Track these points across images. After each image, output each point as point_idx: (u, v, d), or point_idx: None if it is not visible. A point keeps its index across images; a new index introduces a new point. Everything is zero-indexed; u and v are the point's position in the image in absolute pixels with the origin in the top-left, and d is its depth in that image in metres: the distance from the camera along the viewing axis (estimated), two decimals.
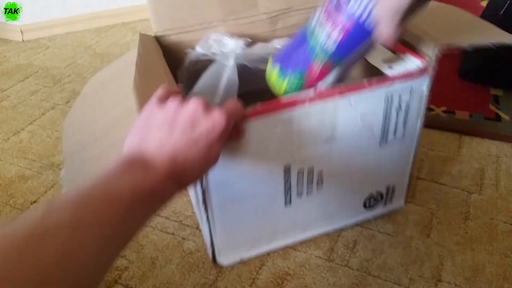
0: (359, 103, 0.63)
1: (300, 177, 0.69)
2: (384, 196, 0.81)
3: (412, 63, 0.66)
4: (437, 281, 0.73)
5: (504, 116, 1.09)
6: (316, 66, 0.57)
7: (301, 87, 0.59)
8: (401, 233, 0.81)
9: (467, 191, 0.89)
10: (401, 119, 0.69)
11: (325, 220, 0.78)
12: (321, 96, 0.60)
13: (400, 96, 0.66)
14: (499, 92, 1.18)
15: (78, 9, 1.69)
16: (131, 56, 0.74)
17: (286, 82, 0.59)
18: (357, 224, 0.83)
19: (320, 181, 0.71)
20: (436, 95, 1.17)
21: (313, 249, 0.79)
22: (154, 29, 0.78)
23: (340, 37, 0.53)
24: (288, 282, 0.73)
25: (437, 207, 0.86)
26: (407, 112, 0.69)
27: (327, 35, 0.54)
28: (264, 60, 0.73)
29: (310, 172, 0.69)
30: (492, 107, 1.13)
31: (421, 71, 0.65)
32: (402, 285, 0.72)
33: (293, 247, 0.79)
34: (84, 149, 0.64)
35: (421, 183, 0.92)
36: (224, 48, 0.76)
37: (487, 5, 1.30)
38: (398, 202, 0.84)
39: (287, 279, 0.74)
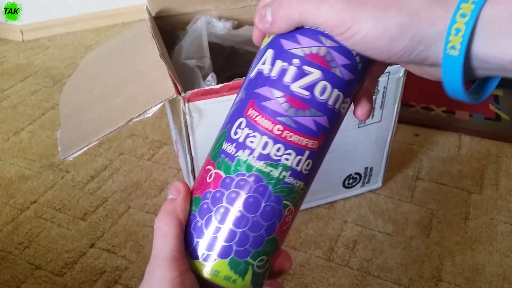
0: None
1: None
2: (362, 176, 0.86)
3: None
4: (437, 281, 0.73)
5: (504, 116, 1.09)
6: (289, 216, 0.29)
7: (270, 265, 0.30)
8: (401, 233, 0.81)
9: (467, 191, 0.89)
10: (378, 102, 0.74)
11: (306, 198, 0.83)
12: None
13: (378, 80, 0.70)
14: (499, 92, 1.17)
15: (78, 9, 1.69)
16: (127, 34, 0.80)
17: (249, 274, 0.28)
18: (356, 224, 0.83)
19: None
20: (436, 95, 1.18)
21: (313, 249, 0.79)
22: (151, 11, 0.82)
23: (314, 153, 0.28)
24: (288, 282, 0.73)
25: (437, 207, 0.86)
26: (384, 95, 0.73)
27: (289, 160, 0.27)
28: (250, 42, 0.77)
29: None
30: (492, 107, 1.13)
31: None
32: (402, 285, 0.72)
33: (293, 246, 0.79)
34: (81, 113, 0.67)
35: (421, 183, 0.92)
36: (212, 29, 0.81)
37: None
38: (375, 183, 0.89)
39: (287, 278, 0.74)
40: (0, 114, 1.20)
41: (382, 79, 0.71)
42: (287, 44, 0.27)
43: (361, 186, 0.88)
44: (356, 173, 0.84)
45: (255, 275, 0.28)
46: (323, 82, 0.27)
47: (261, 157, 0.27)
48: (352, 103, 0.29)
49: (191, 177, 0.71)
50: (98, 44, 1.60)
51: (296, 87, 0.27)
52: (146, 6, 0.80)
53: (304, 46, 0.27)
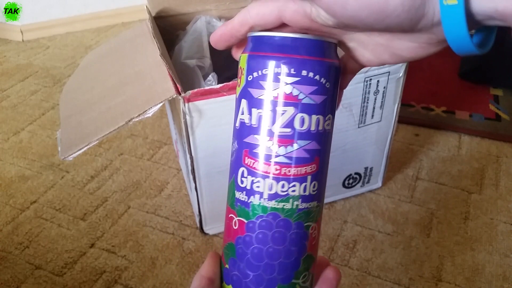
0: None
1: None
2: (362, 176, 0.86)
3: None
4: (437, 281, 0.73)
5: (504, 116, 1.09)
6: (314, 232, 0.31)
7: None
8: (401, 233, 0.81)
9: (467, 191, 0.89)
10: (378, 102, 0.74)
11: None
12: None
13: (378, 80, 0.71)
14: (499, 92, 1.17)
15: (78, 9, 1.69)
16: (126, 34, 0.80)
17: None
18: (356, 224, 0.83)
19: None
20: (436, 95, 1.18)
21: None
22: (151, 11, 0.82)
23: (315, 174, 0.30)
24: None
25: (437, 207, 0.86)
26: (384, 95, 0.74)
27: (295, 190, 0.29)
28: None
29: None
30: (492, 107, 1.13)
31: None
32: (402, 285, 0.72)
33: None
34: (81, 113, 0.68)
35: (421, 183, 0.92)
36: (212, 29, 0.81)
37: None
38: (375, 183, 0.90)
39: None
40: (0, 114, 1.20)
41: (382, 79, 0.71)
42: (255, 92, 0.29)
43: (361, 186, 0.88)
44: (356, 173, 0.84)
45: None
46: (299, 115, 0.29)
47: (271, 197, 0.29)
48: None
49: (191, 177, 0.71)
50: (98, 44, 1.60)
51: (277, 128, 0.29)
52: (146, 6, 0.80)
53: (269, 91, 0.29)
